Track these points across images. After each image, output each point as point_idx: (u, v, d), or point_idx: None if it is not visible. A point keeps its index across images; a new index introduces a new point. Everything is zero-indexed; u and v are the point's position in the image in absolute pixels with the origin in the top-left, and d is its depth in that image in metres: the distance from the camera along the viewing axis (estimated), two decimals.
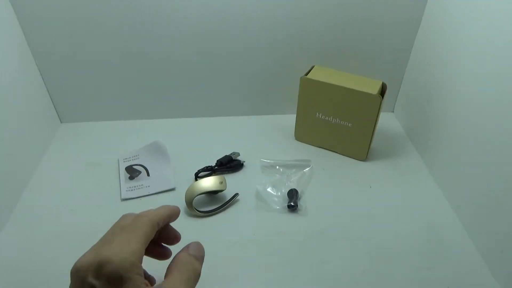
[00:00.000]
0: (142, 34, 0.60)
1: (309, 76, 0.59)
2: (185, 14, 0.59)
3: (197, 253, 0.36)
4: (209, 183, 0.53)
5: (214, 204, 0.54)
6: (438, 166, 0.59)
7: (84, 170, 0.60)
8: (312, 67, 0.62)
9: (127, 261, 0.29)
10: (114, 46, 0.61)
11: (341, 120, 0.60)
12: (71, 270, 0.30)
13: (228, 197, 0.54)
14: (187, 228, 0.50)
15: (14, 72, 0.56)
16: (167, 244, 0.40)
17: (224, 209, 0.53)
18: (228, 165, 0.59)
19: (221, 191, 0.54)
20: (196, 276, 0.34)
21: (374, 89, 0.56)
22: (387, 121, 0.73)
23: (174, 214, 0.38)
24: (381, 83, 0.58)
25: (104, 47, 0.61)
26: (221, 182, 0.53)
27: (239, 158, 0.61)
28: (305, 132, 0.66)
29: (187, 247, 0.36)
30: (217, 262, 0.46)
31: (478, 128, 0.49)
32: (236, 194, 0.55)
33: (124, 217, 0.35)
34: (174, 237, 0.40)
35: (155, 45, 0.62)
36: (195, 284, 0.34)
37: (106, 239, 0.32)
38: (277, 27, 0.62)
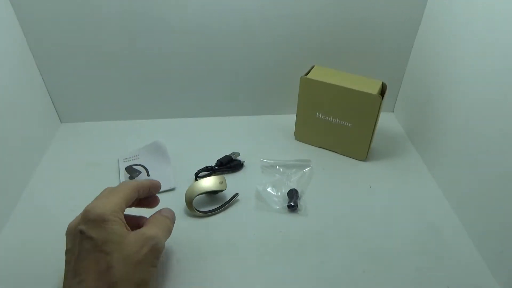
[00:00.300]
0: (142, 34, 0.60)
1: (309, 76, 0.59)
2: (185, 14, 0.59)
3: (169, 215, 0.42)
4: (209, 183, 0.53)
5: (214, 204, 0.54)
6: (438, 166, 0.59)
7: (84, 170, 0.60)
8: (312, 67, 0.62)
9: (107, 207, 0.36)
10: (114, 46, 0.61)
11: (341, 120, 0.60)
12: (65, 232, 0.37)
13: (228, 197, 0.54)
14: (187, 228, 0.51)
15: (14, 72, 0.56)
16: (147, 207, 0.45)
17: (224, 209, 0.53)
18: (228, 165, 0.59)
19: (221, 191, 0.54)
20: (168, 232, 0.41)
21: (374, 89, 0.56)
22: (387, 121, 0.73)
23: (154, 186, 0.43)
24: (381, 83, 0.58)
25: (104, 47, 0.61)
26: (221, 182, 0.53)
27: (239, 158, 0.61)
28: (305, 132, 0.66)
29: (160, 211, 0.42)
30: (217, 262, 0.47)
31: (478, 128, 0.49)
32: (236, 194, 0.55)
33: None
34: (154, 201, 0.45)
35: (155, 45, 0.62)
36: (166, 238, 0.40)
37: (86, 206, 0.37)
38: (277, 27, 0.62)
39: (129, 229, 0.37)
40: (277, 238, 0.50)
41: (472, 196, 0.51)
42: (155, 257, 0.36)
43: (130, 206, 0.41)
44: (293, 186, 0.56)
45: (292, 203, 0.53)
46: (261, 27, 0.62)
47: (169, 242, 0.48)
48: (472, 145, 0.50)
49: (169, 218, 0.42)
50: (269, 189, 0.56)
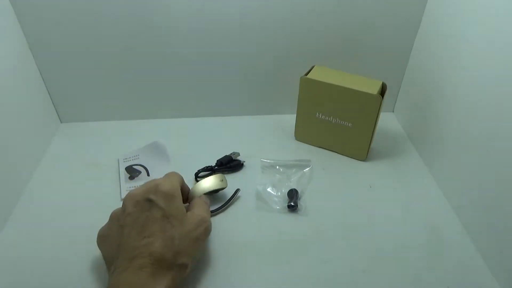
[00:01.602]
0: (142, 34, 0.60)
1: (309, 76, 0.59)
2: (185, 14, 0.59)
3: (207, 200, 0.48)
4: (209, 183, 0.52)
5: (216, 203, 0.54)
6: (438, 166, 0.59)
7: (84, 170, 0.60)
8: (312, 67, 0.62)
9: (174, 186, 0.42)
10: (115, 46, 0.61)
11: (341, 120, 0.60)
12: (125, 197, 0.41)
13: (229, 195, 0.54)
14: None
15: (14, 72, 0.56)
16: None
17: (227, 207, 0.54)
18: (228, 165, 0.59)
19: (223, 189, 0.54)
20: (208, 210, 0.46)
21: (374, 89, 0.56)
22: (387, 121, 0.73)
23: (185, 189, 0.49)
24: (381, 83, 0.58)
25: (104, 47, 0.61)
26: (222, 180, 0.53)
27: (239, 158, 0.61)
28: (305, 132, 0.66)
29: (200, 196, 0.48)
30: (217, 262, 0.47)
31: (478, 128, 0.49)
32: (238, 190, 0.55)
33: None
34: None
35: (155, 45, 0.62)
36: (209, 216, 0.45)
37: (150, 181, 0.42)
38: (277, 27, 0.62)
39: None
40: (277, 238, 0.50)
41: (472, 196, 0.51)
42: (206, 236, 0.42)
43: None
44: (293, 186, 0.56)
45: (292, 203, 0.53)
46: (261, 27, 0.62)
47: None
48: (472, 145, 0.50)
49: (207, 203, 0.47)
50: (269, 189, 0.56)
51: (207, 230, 0.42)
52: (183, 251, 0.38)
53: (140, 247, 0.36)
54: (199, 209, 0.44)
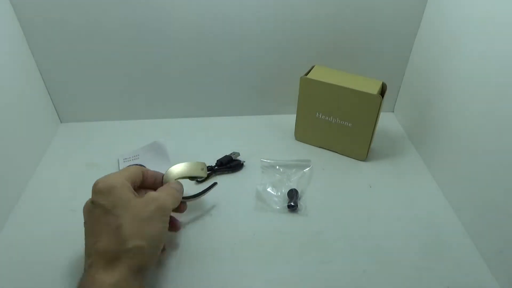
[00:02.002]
0: (142, 34, 0.60)
1: (309, 76, 0.59)
2: (185, 15, 0.59)
3: (176, 186, 0.46)
4: (189, 167, 0.50)
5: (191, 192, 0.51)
6: (438, 166, 0.59)
7: (84, 170, 0.60)
8: (312, 67, 0.62)
9: (111, 179, 0.40)
10: (115, 46, 0.61)
11: (341, 120, 0.60)
12: (83, 211, 0.41)
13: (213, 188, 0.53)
14: (187, 228, 0.51)
15: (14, 72, 0.56)
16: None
17: (201, 196, 0.51)
18: (228, 165, 0.59)
19: (201, 178, 0.52)
20: (174, 198, 0.44)
21: (374, 89, 0.56)
22: (387, 121, 0.73)
23: (158, 176, 0.48)
24: (381, 83, 0.58)
25: (104, 47, 0.61)
26: (202, 169, 0.51)
27: (239, 158, 0.61)
28: (305, 132, 0.66)
29: (168, 183, 0.46)
30: (217, 262, 0.47)
31: (478, 128, 0.49)
32: (215, 183, 0.52)
33: None
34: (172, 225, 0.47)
35: (155, 45, 0.62)
36: (173, 204, 0.43)
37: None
38: (277, 27, 0.62)
39: (136, 193, 0.41)
40: (277, 238, 0.50)
41: (472, 196, 0.51)
42: (161, 214, 0.40)
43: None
44: (293, 186, 0.56)
45: (292, 203, 0.53)
46: (261, 27, 0.62)
47: (168, 243, 0.48)
48: (472, 145, 0.50)
49: (176, 188, 0.45)
50: (269, 189, 0.56)
51: (160, 208, 0.40)
52: (133, 234, 0.37)
53: (90, 250, 0.37)
54: (158, 192, 0.43)
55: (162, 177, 0.48)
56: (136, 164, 0.59)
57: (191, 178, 0.52)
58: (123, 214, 0.37)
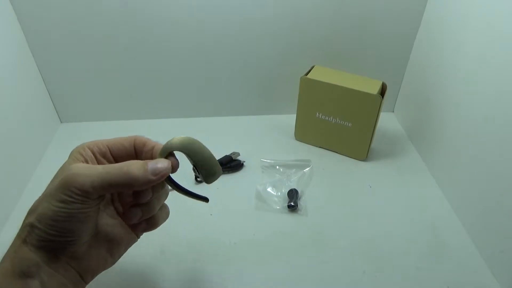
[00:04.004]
0: (142, 34, 0.60)
1: (309, 76, 0.59)
2: (185, 15, 0.59)
3: (151, 170, 0.32)
4: (203, 150, 0.39)
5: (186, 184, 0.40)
6: (438, 166, 0.59)
7: None
8: (312, 67, 0.62)
9: (82, 144, 0.35)
10: (115, 46, 0.61)
11: (341, 120, 0.60)
12: None
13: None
14: (187, 229, 0.51)
15: (14, 72, 0.56)
16: (145, 214, 0.36)
17: (184, 195, 0.40)
18: (228, 165, 0.59)
19: (212, 176, 0.38)
20: (105, 180, 0.30)
21: (374, 89, 0.56)
22: (387, 121, 0.73)
23: (156, 147, 0.37)
24: (381, 83, 0.58)
25: (104, 48, 0.61)
26: (217, 166, 0.38)
27: (239, 158, 0.61)
28: (305, 132, 0.66)
29: (150, 162, 0.33)
30: (217, 262, 0.47)
31: (478, 128, 0.49)
32: (207, 200, 0.40)
33: None
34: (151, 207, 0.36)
35: (155, 45, 0.62)
36: (95, 185, 0.30)
37: None
38: (277, 27, 0.62)
39: (88, 162, 0.34)
40: (277, 238, 0.50)
41: (472, 196, 0.51)
42: (62, 192, 0.29)
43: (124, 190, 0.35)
44: (293, 186, 0.56)
45: (292, 203, 0.53)
46: (261, 28, 0.62)
47: (168, 243, 0.48)
48: (472, 145, 0.50)
49: (132, 166, 0.31)
50: (269, 189, 0.56)
51: (63, 183, 0.30)
52: (32, 209, 0.31)
53: None
54: (99, 165, 0.33)
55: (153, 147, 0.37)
56: None
57: (197, 168, 0.38)
58: (48, 185, 0.32)
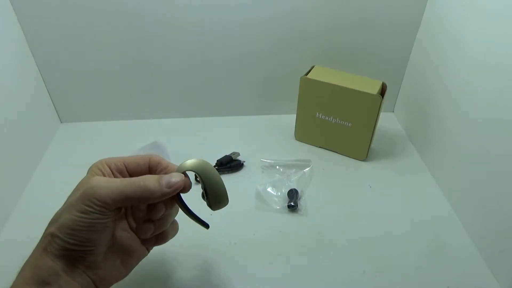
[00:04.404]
0: (142, 34, 0.60)
1: (309, 76, 0.59)
2: (185, 15, 0.59)
3: (165, 183, 0.34)
4: (205, 165, 0.38)
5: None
6: (438, 166, 0.59)
7: (84, 170, 0.59)
8: (312, 67, 0.62)
9: (100, 160, 0.37)
10: (114, 46, 0.61)
11: (341, 120, 0.60)
12: None
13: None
14: (186, 229, 0.50)
15: (14, 72, 0.56)
16: (157, 228, 0.38)
17: (187, 215, 0.40)
18: (228, 165, 0.59)
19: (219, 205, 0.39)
20: (122, 194, 0.32)
21: (374, 89, 0.56)
22: (387, 121, 0.73)
23: (166, 168, 0.38)
24: (381, 83, 0.58)
25: (104, 47, 0.61)
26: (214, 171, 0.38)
27: (239, 158, 0.61)
28: (305, 132, 0.66)
29: (164, 176, 0.35)
30: (217, 262, 0.47)
31: (478, 128, 0.49)
32: (207, 227, 0.41)
33: None
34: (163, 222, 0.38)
35: (155, 45, 0.62)
36: (114, 198, 0.32)
37: None
38: (277, 28, 0.62)
39: (109, 175, 0.36)
40: (277, 238, 0.50)
41: (472, 196, 0.51)
42: (82, 203, 0.31)
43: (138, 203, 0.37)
44: (293, 186, 0.56)
45: (292, 203, 0.53)
46: (261, 27, 0.62)
47: (168, 244, 0.48)
48: (472, 145, 0.50)
49: (146, 180, 0.33)
50: (269, 189, 0.56)
51: (84, 194, 0.32)
52: (53, 219, 0.33)
53: None
54: (116, 178, 0.35)
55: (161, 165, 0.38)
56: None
57: (206, 192, 0.38)
58: (68, 196, 0.34)
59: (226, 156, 0.60)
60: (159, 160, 0.38)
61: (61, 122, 0.69)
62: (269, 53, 0.65)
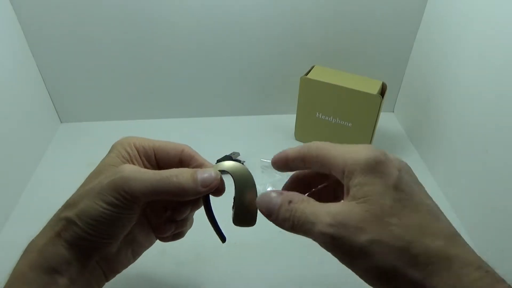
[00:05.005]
0: (142, 34, 0.60)
1: (309, 76, 0.59)
2: (185, 14, 0.59)
3: (201, 181, 0.31)
4: (241, 168, 0.36)
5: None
6: (438, 166, 0.59)
7: (84, 170, 0.59)
8: (312, 67, 0.62)
9: (126, 139, 0.33)
10: (114, 46, 0.61)
11: (341, 120, 0.60)
12: None
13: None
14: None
15: (14, 72, 0.56)
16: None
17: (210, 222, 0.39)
18: None
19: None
20: (156, 187, 0.29)
21: (374, 89, 0.56)
22: (387, 121, 0.73)
23: (199, 164, 0.35)
24: (381, 83, 0.58)
25: (104, 48, 0.61)
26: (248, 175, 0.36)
27: (239, 158, 0.61)
28: (305, 132, 0.66)
29: (199, 171, 0.32)
30: (217, 262, 0.47)
31: (478, 128, 0.49)
32: (224, 240, 0.39)
33: None
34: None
35: (155, 45, 0.62)
36: (145, 191, 0.29)
37: None
38: (277, 27, 0.62)
39: (138, 164, 0.32)
40: (277, 238, 0.50)
41: (472, 196, 0.51)
42: (110, 194, 0.28)
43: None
44: None
45: None
46: (261, 27, 0.62)
47: (168, 244, 0.48)
48: (472, 145, 0.50)
49: (180, 174, 0.30)
50: (269, 189, 0.56)
51: (112, 184, 0.28)
52: (72, 202, 0.30)
53: None
54: (149, 170, 0.31)
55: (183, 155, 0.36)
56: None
57: (234, 202, 0.37)
58: (91, 179, 0.31)
59: (226, 156, 0.60)
60: (193, 155, 0.35)
61: (61, 122, 0.69)
62: (269, 53, 0.65)
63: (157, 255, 0.47)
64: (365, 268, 0.26)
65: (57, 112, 0.68)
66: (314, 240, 0.27)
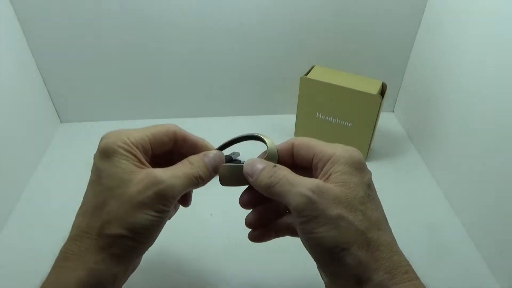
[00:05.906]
0: (142, 34, 0.60)
1: (309, 76, 0.59)
2: (184, 14, 0.59)
3: (212, 161, 0.35)
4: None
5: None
6: (438, 166, 0.59)
7: (84, 170, 0.59)
8: (312, 67, 0.62)
9: (121, 137, 0.31)
10: (115, 46, 0.61)
11: (341, 120, 0.60)
12: None
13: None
14: (186, 228, 0.51)
15: (14, 72, 0.56)
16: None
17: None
18: None
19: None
20: (189, 181, 0.32)
21: (374, 89, 0.56)
22: (387, 121, 0.73)
23: (201, 146, 0.38)
24: (381, 83, 0.58)
25: (104, 48, 0.61)
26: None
27: (239, 158, 0.61)
28: (305, 132, 0.65)
29: (205, 153, 0.36)
30: (217, 262, 0.47)
31: (479, 128, 0.49)
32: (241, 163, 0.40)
33: None
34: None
35: (155, 45, 0.62)
36: (185, 188, 0.32)
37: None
38: (277, 27, 0.62)
39: (148, 166, 0.32)
40: (277, 238, 0.50)
41: (472, 196, 0.51)
42: (159, 203, 0.30)
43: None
44: None
45: None
46: (261, 27, 0.62)
47: (168, 243, 0.48)
48: (472, 145, 0.50)
49: (196, 163, 0.33)
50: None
51: (159, 195, 0.30)
52: (117, 218, 0.29)
53: (75, 219, 0.32)
54: (169, 169, 0.32)
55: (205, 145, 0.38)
56: None
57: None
58: (116, 189, 0.30)
59: (226, 156, 0.60)
60: (185, 135, 0.36)
61: (61, 122, 0.69)
62: (269, 53, 0.65)
63: (157, 255, 0.47)
64: (323, 237, 0.29)
65: (57, 112, 0.68)
66: (287, 203, 0.30)
